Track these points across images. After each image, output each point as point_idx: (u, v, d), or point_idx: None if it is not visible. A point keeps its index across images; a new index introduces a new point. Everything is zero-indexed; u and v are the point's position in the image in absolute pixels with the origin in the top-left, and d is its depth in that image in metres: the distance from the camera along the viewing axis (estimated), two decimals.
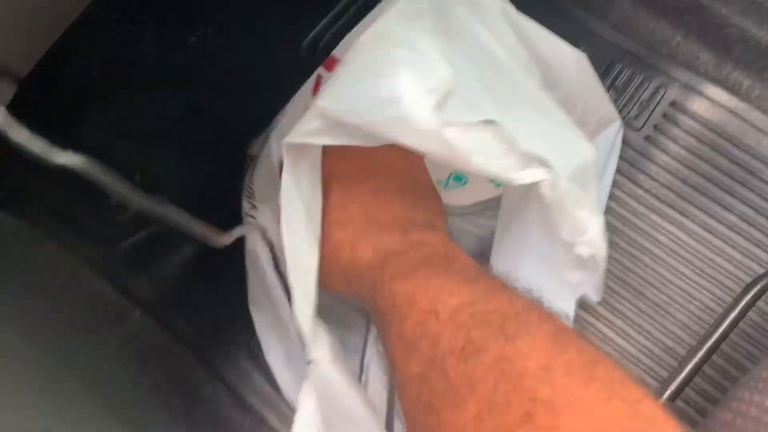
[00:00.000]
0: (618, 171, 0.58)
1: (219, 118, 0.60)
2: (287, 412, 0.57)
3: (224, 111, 0.59)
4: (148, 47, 0.52)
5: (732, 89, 0.57)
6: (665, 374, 0.53)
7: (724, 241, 0.56)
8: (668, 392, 0.44)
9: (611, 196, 0.58)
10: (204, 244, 0.65)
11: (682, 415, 0.51)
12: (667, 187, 0.58)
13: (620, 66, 0.61)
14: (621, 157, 0.58)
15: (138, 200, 0.40)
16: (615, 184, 0.58)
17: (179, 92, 0.56)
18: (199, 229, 0.45)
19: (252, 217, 0.51)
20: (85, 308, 0.59)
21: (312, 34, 0.67)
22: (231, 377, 0.56)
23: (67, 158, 0.34)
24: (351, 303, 0.49)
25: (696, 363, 0.44)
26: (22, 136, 0.32)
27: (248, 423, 0.56)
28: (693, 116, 0.59)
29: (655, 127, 0.59)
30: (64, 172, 0.65)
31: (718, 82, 0.58)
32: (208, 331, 0.58)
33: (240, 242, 0.53)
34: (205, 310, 0.59)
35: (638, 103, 0.60)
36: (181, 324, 0.58)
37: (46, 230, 0.59)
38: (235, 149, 0.58)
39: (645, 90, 0.60)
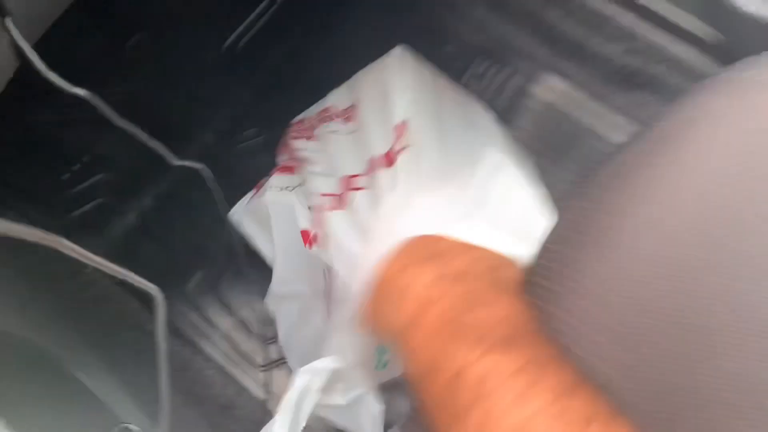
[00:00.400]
0: None
1: (151, 109, 0.72)
2: (218, 343, 0.70)
3: (156, 103, 0.71)
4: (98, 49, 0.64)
5: (564, 75, 0.74)
6: None
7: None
8: None
9: None
10: (146, 212, 0.78)
11: None
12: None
13: (482, 58, 0.76)
14: None
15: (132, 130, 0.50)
16: None
17: (121, 86, 0.68)
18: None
19: None
20: (45, 266, 0.70)
21: (233, 35, 0.80)
22: (172, 316, 0.69)
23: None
24: None
25: None
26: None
27: (187, 351, 0.69)
28: (534, 97, 0.75)
29: (507, 108, 0.75)
30: (23, 152, 0.77)
31: (552, 70, 0.74)
32: (151, 279, 0.70)
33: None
34: (147, 264, 0.72)
35: (494, 89, 0.76)
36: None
37: (7, 203, 0.71)
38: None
39: (498, 76, 0.75)
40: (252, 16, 0.80)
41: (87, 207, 0.75)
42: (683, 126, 0.34)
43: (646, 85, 0.71)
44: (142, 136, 0.47)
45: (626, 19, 0.70)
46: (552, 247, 0.35)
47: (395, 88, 0.53)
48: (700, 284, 0.29)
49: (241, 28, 0.80)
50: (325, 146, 0.56)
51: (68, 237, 0.71)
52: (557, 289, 0.33)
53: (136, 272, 0.72)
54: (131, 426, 0.51)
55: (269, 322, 0.68)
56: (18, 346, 0.52)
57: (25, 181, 0.73)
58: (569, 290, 0.32)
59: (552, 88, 0.74)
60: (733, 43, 0.59)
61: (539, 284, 0.34)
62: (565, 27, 0.73)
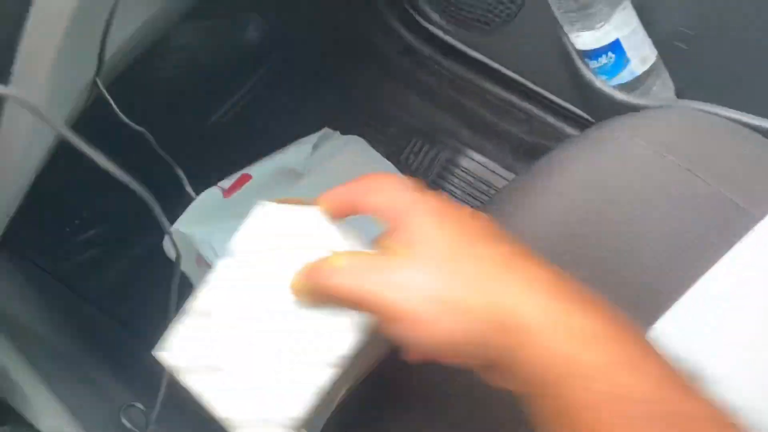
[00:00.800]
0: None
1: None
2: None
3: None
4: None
5: (480, 150, 0.93)
6: None
7: None
8: None
9: None
10: (136, 260, 0.92)
11: None
12: None
13: (415, 139, 0.95)
14: None
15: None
16: None
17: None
18: None
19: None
20: (49, 306, 0.83)
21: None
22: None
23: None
24: None
25: None
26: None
27: None
28: (460, 167, 0.93)
29: (438, 175, 0.93)
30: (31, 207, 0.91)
31: (471, 147, 0.93)
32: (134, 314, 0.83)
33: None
34: (131, 303, 0.84)
35: (428, 162, 0.94)
36: (117, 311, 0.83)
37: (16, 251, 0.84)
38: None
39: (430, 153, 0.94)
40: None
41: (86, 254, 0.88)
42: (560, 159, 0.55)
43: (543, 155, 0.90)
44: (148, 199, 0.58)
45: (525, 106, 0.90)
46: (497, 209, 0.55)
47: None
48: (580, 228, 0.49)
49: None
50: None
51: (69, 280, 0.84)
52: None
53: (120, 306, 0.84)
54: (137, 404, 0.62)
55: None
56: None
57: (32, 232, 0.86)
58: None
59: (472, 160, 0.93)
60: (598, 118, 0.79)
61: None
62: (481, 113, 0.93)
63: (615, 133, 0.60)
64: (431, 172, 0.93)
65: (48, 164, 0.86)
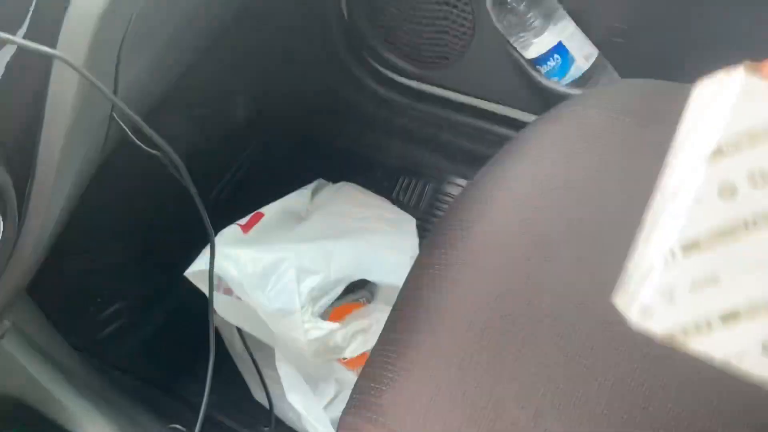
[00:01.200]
0: None
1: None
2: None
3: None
4: None
5: (462, 175, 1.00)
6: None
7: None
8: None
9: None
10: (158, 328, 0.97)
11: None
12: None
13: (404, 177, 1.03)
14: None
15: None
16: None
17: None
18: None
19: None
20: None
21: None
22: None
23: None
24: None
25: None
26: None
27: None
28: (448, 195, 1.00)
29: (429, 205, 1.00)
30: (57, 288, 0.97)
31: (455, 174, 1.01)
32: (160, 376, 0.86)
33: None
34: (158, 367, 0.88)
35: (417, 196, 1.01)
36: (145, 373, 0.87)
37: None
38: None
39: (418, 187, 1.02)
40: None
41: (110, 328, 0.93)
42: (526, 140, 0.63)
43: None
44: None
45: (496, 129, 0.98)
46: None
47: None
48: (539, 220, 0.56)
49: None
50: None
51: (95, 353, 0.89)
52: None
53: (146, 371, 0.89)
54: (178, 426, 0.65)
55: None
56: None
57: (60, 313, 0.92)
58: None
59: (457, 185, 1.00)
60: None
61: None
62: (458, 143, 1.01)
63: (570, 108, 0.67)
64: (423, 203, 1.00)
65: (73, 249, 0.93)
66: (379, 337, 0.57)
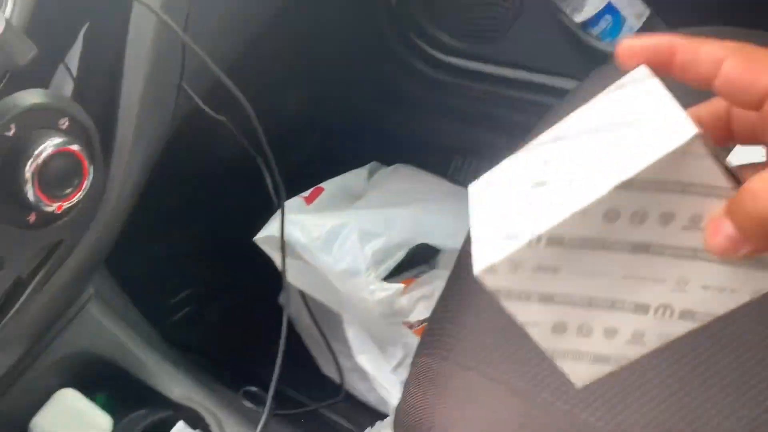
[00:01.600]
0: None
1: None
2: None
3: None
4: None
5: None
6: None
7: None
8: None
9: None
10: (225, 314, 1.00)
11: None
12: None
13: (456, 158, 1.04)
14: None
15: None
16: None
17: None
18: None
19: None
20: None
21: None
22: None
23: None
24: None
25: None
26: None
27: None
28: None
29: None
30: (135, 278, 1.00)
31: (510, 149, 1.01)
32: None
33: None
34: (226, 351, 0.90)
35: (472, 176, 1.02)
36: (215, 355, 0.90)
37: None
38: None
39: (472, 166, 1.02)
40: None
41: (180, 314, 0.96)
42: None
43: None
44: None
45: (549, 100, 0.98)
46: None
47: None
48: None
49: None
50: None
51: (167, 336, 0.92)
52: None
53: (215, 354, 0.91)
54: (252, 388, 0.67)
55: None
56: None
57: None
58: None
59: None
60: None
61: None
62: (510, 117, 1.02)
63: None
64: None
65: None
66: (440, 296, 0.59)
